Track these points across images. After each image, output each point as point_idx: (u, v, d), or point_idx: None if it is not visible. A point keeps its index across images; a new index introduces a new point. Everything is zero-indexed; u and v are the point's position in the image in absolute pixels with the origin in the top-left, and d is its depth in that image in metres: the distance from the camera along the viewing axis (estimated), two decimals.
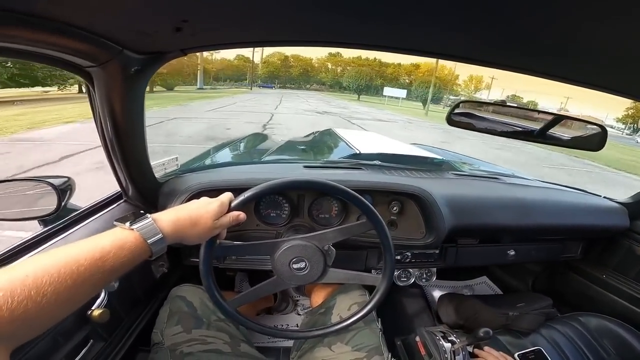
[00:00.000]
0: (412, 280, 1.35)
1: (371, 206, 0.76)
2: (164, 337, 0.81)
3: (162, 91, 29.02)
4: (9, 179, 0.81)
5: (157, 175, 0.99)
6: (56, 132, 7.10)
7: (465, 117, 1.04)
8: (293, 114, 15.13)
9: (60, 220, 0.81)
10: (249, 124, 10.13)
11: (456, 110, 1.03)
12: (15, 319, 0.36)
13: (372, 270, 1.18)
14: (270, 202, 1.06)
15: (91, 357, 0.77)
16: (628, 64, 0.58)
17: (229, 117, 11.85)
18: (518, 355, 1.04)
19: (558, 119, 0.99)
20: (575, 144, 1.04)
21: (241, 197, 0.70)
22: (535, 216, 1.17)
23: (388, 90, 48.18)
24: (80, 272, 0.42)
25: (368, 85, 57.79)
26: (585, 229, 1.26)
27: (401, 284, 1.34)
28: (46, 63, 0.58)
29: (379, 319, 0.97)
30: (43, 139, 6.35)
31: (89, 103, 0.75)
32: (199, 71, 43.61)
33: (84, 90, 0.74)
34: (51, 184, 0.78)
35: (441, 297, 1.48)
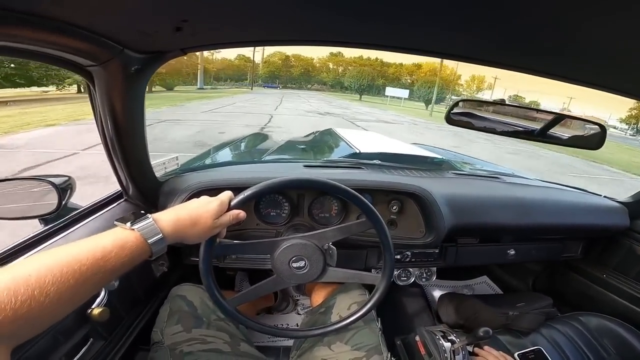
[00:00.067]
0: (412, 280, 1.35)
1: (371, 205, 0.76)
2: (164, 336, 0.82)
3: (161, 91, 28.44)
4: (10, 178, 0.82)
5: (157, 174, 1.00)
6: (30, 137, 6.49)
7: (465, 116, 1.04)
8: (295, 116, 14.46)
9: (61, 219, 0.81)
10: (246, 127, 9.43)
11: (455, 110, 1.03)
12: (18, 318, 0.36)
13: (372, 270, 1.19)
14: (270, 201, 1.06)
15: (91, 355, 0.77)
16: (628, 62, 0.59)
17: (224, 119, 11.14)
18: (518, 355, 1.04)
19: (558, 118, 1.00)
20: (575, 143, 1.04)
21: (241, 196, 0.70)
22: (535, 215, 1.17)
23: (390, 90, 48.08)
24: (82, 271, 0.43)
25: (370, 85, 57.65)
26: (586, 228, 1.26)
27: (401, 284, 1.34)
28: (47, 62, 0.58)
29: (379, 319, 0.97)
30: (12, 146, 5.67)
31: (89, 102, 0.75)
32: (199, 71, 43.64)
33: (82, 89, 0.74)
34: (52, 183, 0.78)
35: (441, 296, 1.48)
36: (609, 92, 0.75)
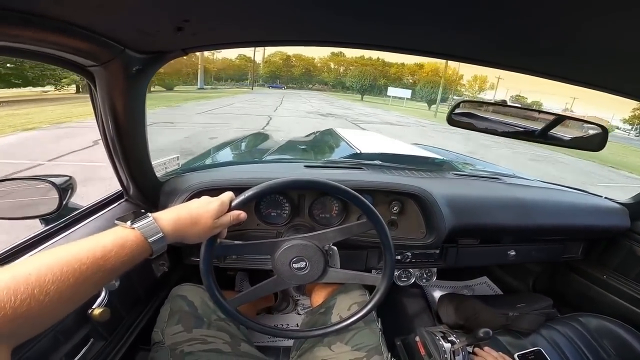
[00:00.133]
0: (413, 280, 1.35)
1: (371, 206, 0.76)
2: (165, 336, 0.82)
3: (160, 91, 27.75)
4: (10, 177, 0.82)
5: (158, 174, 1.00)
6: (3, 143, 5.88)
7: (466, 117, 1.04)
8: (295, 117, 13.66)
9: (62, 219, 0.82)
10: (241, 131, 7.91)
11: (457, 110, 1.03)
12: (18, 317, 0.36)
13: (373, 270, 1.19)
14: (271, 201, 1.06)
15: (91, 355, 0.77)
16: (628, 63, 0.58)
17: (219, 121, 10.33)
18: (518, 356, 1.04)
19: (559, 119, 0.99)
20: (577, 144, 1.04)
21: (242, 197, 0.70)
22: (535, 216, 1.17)
23: (392, 90, 47.87)
24: (82, 270, 0.43)
25: (372, 85, 57.23)
26: (586, 229, 1.26)
27: (401, 284, 1.34)
28: (48, 62, 0.58)
29: (379, 319, 0.97)
30: None
31: (89, 102, 0.75)
32: (199, 71, 43.62)
33: (81, 89, 0.74)
34: (52, 183, 0.78)
35: (441, 297, 1.48)
36: (609, 93, 0.75)
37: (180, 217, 0.59)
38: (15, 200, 0.80)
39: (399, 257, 1.17)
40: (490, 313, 1.28)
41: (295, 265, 0.76)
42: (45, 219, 0.81)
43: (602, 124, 0.98)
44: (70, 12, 0.47)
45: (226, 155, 2.07)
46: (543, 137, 1.01)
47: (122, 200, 0.97)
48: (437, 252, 1.20)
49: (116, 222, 0.54)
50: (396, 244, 0.81)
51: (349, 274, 0.83)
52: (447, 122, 1.01)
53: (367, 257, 1.17)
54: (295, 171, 1.21)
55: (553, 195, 1.31)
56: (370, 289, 0.88)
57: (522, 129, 1.05)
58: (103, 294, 0.76)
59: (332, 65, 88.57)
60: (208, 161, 1.79)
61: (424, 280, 1.38)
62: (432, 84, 45.45)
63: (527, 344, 1.11)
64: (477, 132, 1.06)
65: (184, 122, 9.78)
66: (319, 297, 1.11)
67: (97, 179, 3.94)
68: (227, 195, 0.70)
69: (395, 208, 1.08)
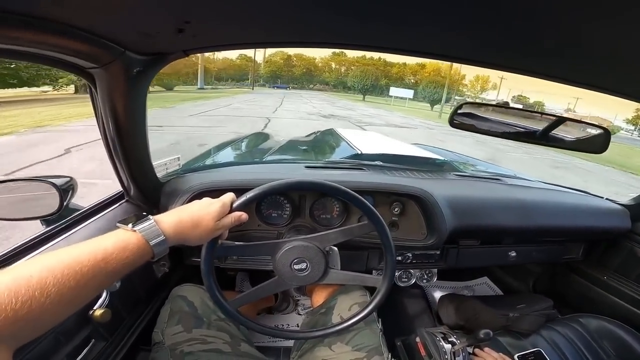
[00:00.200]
0: (413, 281, 1.35)
1: (372, 207, 0.76)
2: (165, 337, 0.82)
3: (160, 91, 27.08)
4: (11, 178, 0.82)
5: (158, 175, 1.00)
6: None
7: (468, 118, 1.04)
8: (295, 119, 12.90)
9: (63, 220, 0.82)
10: (235, 135, 6.98)
11: (459, 112, 1.03)
12: (19, 319, 0.36)
13: (373, 271, 1.19)
14: (272, 202, 1.06)
15: (92, 356, 0.77)
16: (628, 64, 0.58)
17: (213, 124, 9.46)
18: (518, 357, 1.04)
19: (561, 120, 0.99)
20: (579, 146, 1.03)
21: (243, 198, 0.70)
22: (536, 217, 1.17)
23: (394, 91, 47.55)
24: (84, 273, 0.43)
25: (373, 85, 56.97)
26: (587, 230, 1.26)
27: (402, 285, 1.34)
28: (49, 64, 0.58)
29: (380, 319, 0.97)
30: None
31: (85, 103, 0.75)
32: (199, 71, 43.60)
33: (79, 90, 0.74)
34: (53, 184, 0.78)
35: (442, 297, 1.48)
36: (609, 94, 0.75)
37: (182, 219, 0.59)
38: (17, 201, 0.81)
39: (399, 258, 1.17)
40: (490, 314, 1.28)
41: (296, 267, 0.76)
42: (46, 220, 0.81)
43: (605, 125, 0.98)
44: (70, 14, 0.47)
45: (227, 155, 2.07)
46: (545, 138, 1.00)
47: (123, 201, 0.97)
48: (438, 253, 1.20)
49: (118, 224, 0.54)
50: (397, 245, 0.81)
51: (350, 275, 0.83)
52: (449, 124, 1.01)
53: (368, 258, 1.17)
54: (296, 172, 1.21)
55: (554, 196, 1.31)
56: (371, 289, 0.88)
57: (523, 131, 1.05)
58: (104, 295, 0.76)
59: (333, 65, 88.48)
60: (209, 161, 1.79)
61: (424, 281, 1.38)
62: (435, 84, 45.32)
63: (527, 344, 1.11)
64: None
65: (173, 125, 8.88)
66: (319, 297, 1.11)
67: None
68: (229, 196, 0.70)
69: (396, 209, 1.08)
